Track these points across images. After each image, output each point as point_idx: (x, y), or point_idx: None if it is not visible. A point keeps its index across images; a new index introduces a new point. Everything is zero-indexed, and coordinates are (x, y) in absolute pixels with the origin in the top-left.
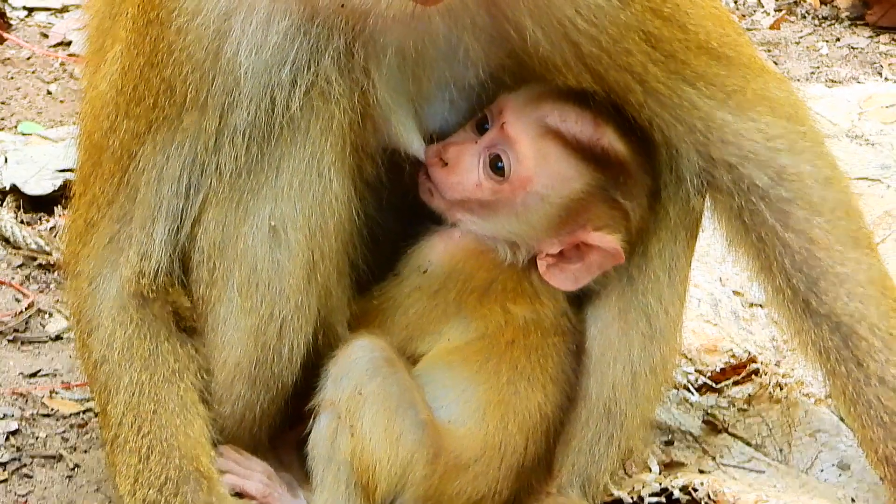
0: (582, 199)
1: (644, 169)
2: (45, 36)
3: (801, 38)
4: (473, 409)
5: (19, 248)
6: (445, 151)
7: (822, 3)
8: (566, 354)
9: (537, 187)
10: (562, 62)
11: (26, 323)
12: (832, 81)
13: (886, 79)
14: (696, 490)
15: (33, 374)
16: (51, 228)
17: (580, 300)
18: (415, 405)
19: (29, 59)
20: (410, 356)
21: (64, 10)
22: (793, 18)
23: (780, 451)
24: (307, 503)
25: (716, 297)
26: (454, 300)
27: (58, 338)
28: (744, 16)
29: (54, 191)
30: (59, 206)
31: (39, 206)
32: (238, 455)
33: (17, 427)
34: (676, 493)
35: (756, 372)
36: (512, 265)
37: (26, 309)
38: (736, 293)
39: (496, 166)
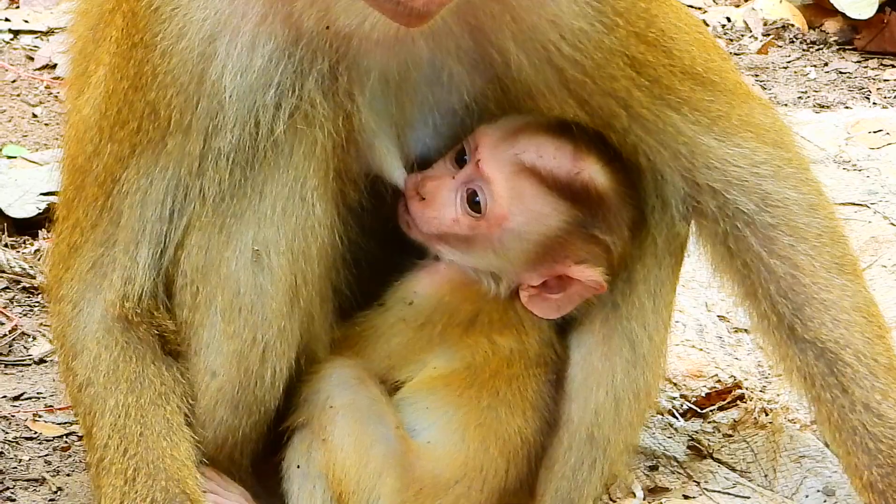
0: (559, 235)
1: (626, 201)
2: (31, 59)
3: (789, 62)
4: (454, 430)
5: (3, 272)
6: (423, 186)
7: (810, 27)
8: (545, 384)
9: (513, 224)
10: (545, 87)
11: (10, 346)
12: (820, 106)
13: (874, 104)
14: None
15: (17, 398)
16: (35, 251)
17: (564, 325)
18: (384, 417)
19: (14, 82)
20: (392, 384)
21: (50, 32)
22: (781, 43)
23: (765, 476)
24: None
25: (701, 323)
26: (440, 333)
27: (42, 361)
28: (731, 40)
29: (39, 214)
30: (43, 229)
31: (24, 229)
32: (218, 477)
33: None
34: None
35: (741, 397)
36: (496, 296)
37: (10, 332)
38: (721, 318)
39: (473, 202)
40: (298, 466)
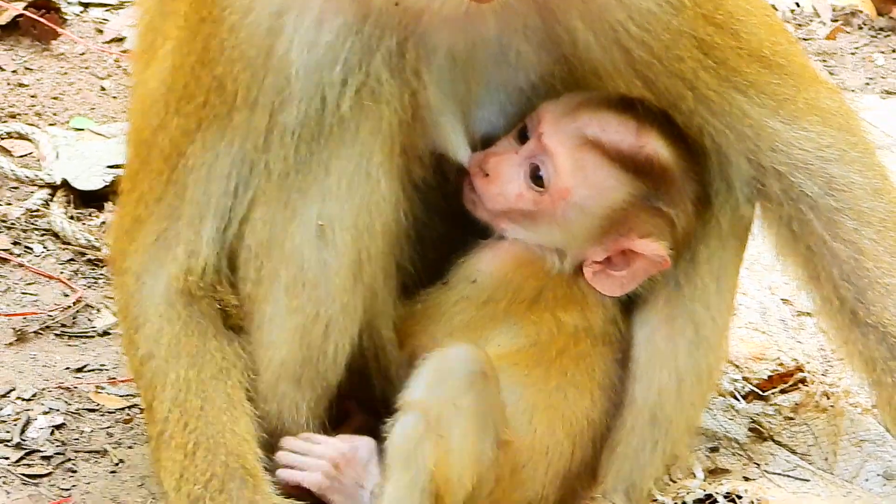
0: (624, 208)
1: (689, 175)
2: (100, 31)
3: (856, 48)
4: (521, 412)
5: (68, 244)
6: (486, 162)
7: (878, 14)
8: (612, 363)
9: (576, 198)
10: (612, 68)
11: (74, 318)
12: (887, 92)
13: None
14: (740, 497)
15: (80, 369)
16: (101, 224)
17: (628, 306)
18: (498, 424)
19: (83, 54)
20: None
21: (119, 6)
22: (849, 29)
23: (826, 459)
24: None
25: (764, 306)
26: (503, 310)
27: (105, 333)
28: (800, 25)
29: (105, 186)
30: (109, 201)
31: (90, 201)
32: (303, 443)
33: (62, 421)
34: (720, 500)
35: (803, 380)
36: (561, 273)
37: (74, 304)
38: (785, 301)
39: (536, 176)
40: (405, 448)
